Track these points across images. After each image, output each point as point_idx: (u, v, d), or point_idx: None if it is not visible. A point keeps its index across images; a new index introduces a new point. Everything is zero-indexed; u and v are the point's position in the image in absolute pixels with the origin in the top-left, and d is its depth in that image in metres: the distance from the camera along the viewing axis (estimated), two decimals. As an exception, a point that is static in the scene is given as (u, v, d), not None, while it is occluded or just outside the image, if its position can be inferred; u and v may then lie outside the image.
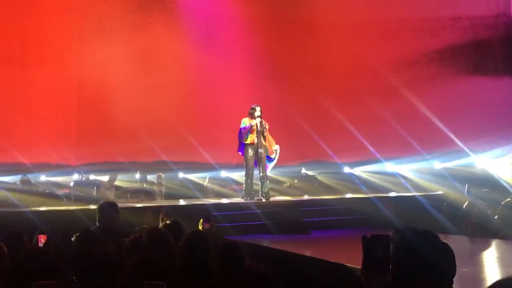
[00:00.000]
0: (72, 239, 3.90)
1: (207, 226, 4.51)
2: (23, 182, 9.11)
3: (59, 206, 8.01)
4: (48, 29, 10.33)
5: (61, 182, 9.85)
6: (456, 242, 1.99)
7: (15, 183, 9.20)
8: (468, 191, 8.07)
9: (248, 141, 8.20)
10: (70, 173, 9.91)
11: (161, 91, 10.87)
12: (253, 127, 8.10)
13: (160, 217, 5.11)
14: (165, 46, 11.02)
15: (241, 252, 3.06)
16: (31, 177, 9.36)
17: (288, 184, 10.74)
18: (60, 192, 9.14)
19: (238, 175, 10.21)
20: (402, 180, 10.32)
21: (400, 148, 10.43)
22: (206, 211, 4.97)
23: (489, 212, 7.14)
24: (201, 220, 4.94)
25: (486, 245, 6.10)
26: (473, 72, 11.34)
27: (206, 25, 11.35)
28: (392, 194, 9.70)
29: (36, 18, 10.24)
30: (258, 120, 8.11)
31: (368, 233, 2.20)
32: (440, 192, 9.02)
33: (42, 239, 3.63)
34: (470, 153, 10.18)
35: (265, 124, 8.24)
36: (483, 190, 8.80)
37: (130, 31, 10.81)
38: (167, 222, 4.64)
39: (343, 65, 11.58)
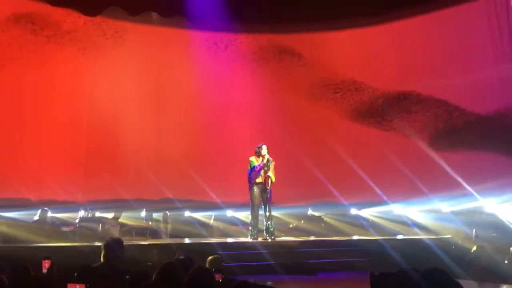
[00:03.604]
0: (75, 275, 3.88)
1: (218, 277, 4.21)
2: (41, 217, 9.12)
3: (64, 242, 7.97)
4: (59, 68, 10.56)
5: (67, 218, 9.82)
6: (466, 286, 1.96)
7: (23, 219, 9.19)
8: (477, 236, 7.95)
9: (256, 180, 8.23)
10: (76, 210, 9.89)
11: (169, 131, 10.98)
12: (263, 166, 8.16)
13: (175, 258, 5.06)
14: (175, 86, 11.20)
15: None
16: (35, 213, 9.34)
17: (294, 224, 10.64)
18: (65, 228, 9.10)
19: (244, 215, 10.15)
20: (410, 223, 10.19)
21: (408, 190, 10.36)
22: (217, 260, 4.80)
23: (498, 256, 7.01)
24: (209, 258, 4.87)
25: (496, 290, 5.96)
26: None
27: (215, 65, 11.58)
28: (400, 236, 9.58)
29: (48, 57, 10.49)
30: (266, 157, 8.18)
31: (376, 271, 2.17)
32: (448, 236, 8.90)
33: (46, 265, 3.65)
34: (478, 197, 10.09)
35: (271, 161, 8.28)
36: (492, 235, 8.67)
37: (141, 67, 11.02)
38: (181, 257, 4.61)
39: (348, 107, 11.72)
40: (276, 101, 11.67)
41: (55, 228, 8.85)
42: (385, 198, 10.48)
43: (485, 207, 9.91)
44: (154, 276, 3.41)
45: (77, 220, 9.42)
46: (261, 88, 11.69)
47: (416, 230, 9.85)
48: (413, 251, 7.65)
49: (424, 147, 10.62)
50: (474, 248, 7.07)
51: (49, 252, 6.25)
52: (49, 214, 9.81)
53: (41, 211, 9.20)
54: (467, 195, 9.94)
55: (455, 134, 10.87)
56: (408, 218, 10.43)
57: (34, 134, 10.31)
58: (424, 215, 10.44)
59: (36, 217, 9.15)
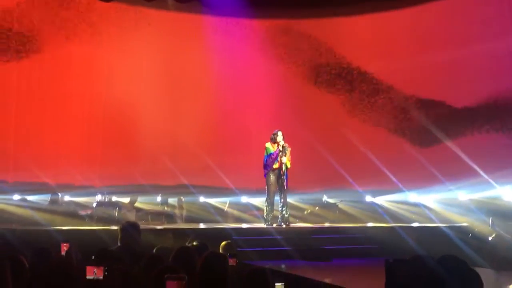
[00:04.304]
0: (93, 257, 3.93)
1: (232, 262, 4.26)
2: (52, 201, 9.27)
3: (82, 225, 8.10)
4: (76, 54, 10.63)
5: (84, 202, 9.98)
6: (482, 275, 1.94)
7: (41, 202, 9.36)
8: (493, 224, 7.87)
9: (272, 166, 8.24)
10: (93, 194, 10.03)
11: (185, 117, 11.01)
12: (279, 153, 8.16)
13: (188, 243, 5.11)
14: (190, 73, 11.20)
15: (269, 279, 3.06)
16: (55, 197, 9.50)
17: (309, 211, 10.65)
18: (83, 212, 9.25)
19: (259, 201, 10.18)
20: (426, 211, 10.13)
21: (424, 178, 10.27)
22: (230, 245, 4.83)
23: (516, 245, 6.94)
24: (222, 243, 4.90)
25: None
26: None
27: (230, 51, 11.54)
28: (415, 224, 9.53)
29: (65, 43, 10.56)
30: (282, 144, 8.17)
31: (391, 257, 2.16)
32: (465, 224, 8.82)
33: (64, 247, 3.73)
34: (496, 185, 9.97)
35: (288, 148, 8.27)
36: (510, 224, 8.57)
37: (157, 53, 11.03)
38: (194, 243, 4.65)
39: (366, 94, 11.62)
40: (291, 87, 11.61)
41: (69, 212, 9.00)
42: (400, 186, 10.41)
43: (503, 195, 9.79)
44: (170, 259, 3.46)
45: (94, 204, 9.55)
46: (276, 74, 11.63)
47: (432, 218, 9.77)
48: (429, 239, 7.60)
49: (438, 134, 10.49)
50: (493, 236, 7.00)
51: (67, 235, 6.39)
52: (66, 198, 9.97)
53: (52, 195, 9.33)
54: (485, 183, 9.83)
55: (475, 115, 10.62)
56: (424, 206, 10.36)
57: (53, 121, 10.44)
58: (441, 203, 10.36)
59: (48, 201, 9.29)
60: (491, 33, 10.17)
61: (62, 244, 3.88)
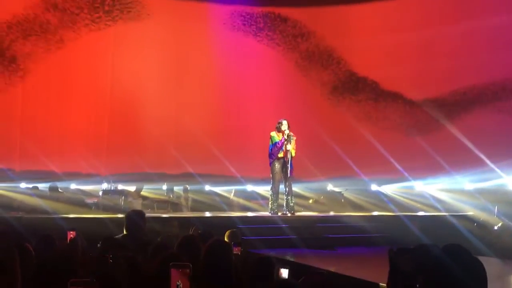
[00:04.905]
0: (98, 245, 3.96)
1: (237, 250, 4.27)
2: (51, 189, 9.32)
3: (88, 214, 8.15)
4: (82, 41, 10.62)
5: (90, 191, 10.03)
6: (487, 264, 1.93)
7: (42, 191, 9.41)
8: (499, 213, 7.85)
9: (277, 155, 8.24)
10: (99, 182, 10.08)
11: (190, 104, 11.01)
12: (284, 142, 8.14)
13: (191, 231, 5.13)
14: (196, 60, 11.16)
15: (274, 267, 3.07)
16: (61, 185, 9.56)
17: (314, 199, 10.66)
18: (89, 200, 9.30)
19: (264, 189, 10.20)
20: (431, 200, 10.12)
21: (429, 166, 10.23)
22: (235, 233, 4.83)
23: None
24: (227, 232, 4.92)
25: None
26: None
27: (236, 39, 11.49)
28: (421, 213, 9.51)
29: (70, 30, 10.54)
30: (287, 133, 8.14)
31: (395, 246, 2.16)
32: (470, 213, 8.80)
33: (71, 235, 3.75)
34: (502, 174, 9.92)
35: (293, 137, 8.25)
36: (516, 212, 8.54)
37: (162, 41, 11.00)
38: (199, 232, 4.67)
39: (371, 81, 11.54)
40: (297, 76, 11.55)
41: (76, 200, 9.05)
42: (406, 174, 10.38)
43: (509, 184, 9.75)
44: (175, 247, 3.47)
45: (100, 193, 9.60)
46: (282, 62, 11.57)
47: (438, 207, 9.76)
48: (434, 228, 7.60)
49: (445, 122, 10.42)
50: (499, 225, 6.99)
51: (73, 223, 6.43)
52: (73, 186, 10.02)
53: (51, 184, 9.36)
54: (490, 171, 9.78)
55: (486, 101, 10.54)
56: (430, 195, 10.34)
57: (58, 108, 10.48)
58: (446, 192, 10.34)
59: (47, 190, 9.32)
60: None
61: (68, 232, 3.90)
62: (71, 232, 3.86)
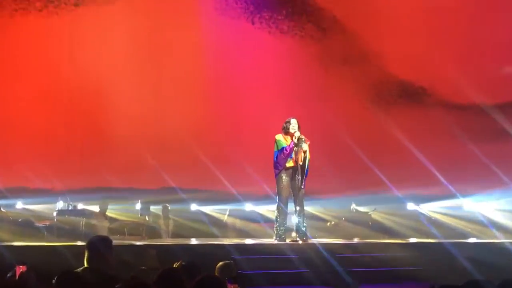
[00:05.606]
0: (53, 282, 4.00)
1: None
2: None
3: (39, 241, 8.18)
4: (27, 31, 10.69)
5: (41, 211, 10.06)
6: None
7: None
8: None
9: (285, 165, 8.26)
10: (53, 201, 10.12)
11: (171, 98, 11.07)
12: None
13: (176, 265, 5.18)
14: (176, 49, 11.24)
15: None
16: (4, 203, 9.59)
17: (333, 222, 10.71)
18: (40, 223, 9.33)
19: (268, 209, 10.24)
20: (485, 222, 10.16)
21: (483, 180, 10.30)
22: (229, 266, 4.90)
23: None
24: (219, 264, 4.97)
25: None
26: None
27: (228, 26, 11.57)
28: (472, 239, 9.56)
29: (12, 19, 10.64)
30: (297, 135, 8.15)
31: (437, 283, 2.19)
32: (536, 240, 8.86)
33: (21, 271, 3.78)
34: None
35: (304, 140, 8.22)
36: None
37: (132, 29, 11.09)
38: (182, 263, 4.72)
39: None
40: (314, 69, 11.62)
41: (22, 223, 9.08)
42: (453, 190, 10.44)
43: None
44: (151, 285, 3.49)
45: (54, 214, 9.63)
46: (296, 52, 11.64)
47: (494, 231, 9.80)
48: (489, 259, 7.63)
49: (504, 123, 10.51)
50: None
51: (20, 253, 6.45)
52: (19, 205, 10.05)
53: None
54: None
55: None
56: (484, 216, 10.38)
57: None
58: (504, 212, 10.38)
59: None
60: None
61: (17, 267, 3.92)
62: (22, 267, 3.89)
